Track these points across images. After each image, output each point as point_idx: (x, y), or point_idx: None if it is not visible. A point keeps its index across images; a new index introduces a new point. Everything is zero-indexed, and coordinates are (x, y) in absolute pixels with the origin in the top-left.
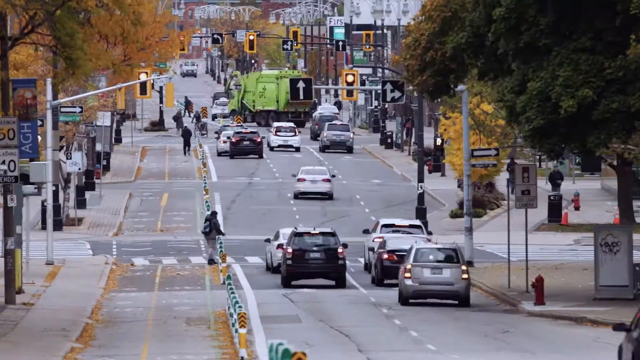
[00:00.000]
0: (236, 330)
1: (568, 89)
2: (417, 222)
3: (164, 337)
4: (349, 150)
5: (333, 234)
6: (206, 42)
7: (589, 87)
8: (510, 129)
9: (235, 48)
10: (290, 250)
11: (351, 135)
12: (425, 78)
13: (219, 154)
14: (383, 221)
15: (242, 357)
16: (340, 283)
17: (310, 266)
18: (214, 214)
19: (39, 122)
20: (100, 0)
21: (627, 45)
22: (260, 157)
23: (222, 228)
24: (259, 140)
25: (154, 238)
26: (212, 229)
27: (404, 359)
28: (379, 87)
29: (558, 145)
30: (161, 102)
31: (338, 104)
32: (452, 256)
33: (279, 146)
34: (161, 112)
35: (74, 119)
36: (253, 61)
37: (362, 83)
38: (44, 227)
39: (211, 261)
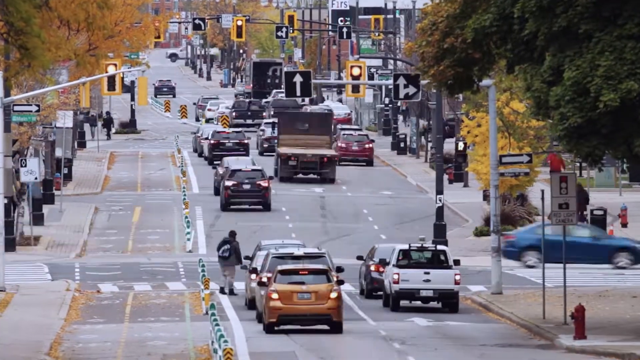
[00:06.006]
0: None
1: (610, 80)
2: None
3: None
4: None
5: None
6: (186, 28)
7: (635, 79)
8: (545, 132)
9: (221, 35)
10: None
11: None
12: (443, 68)
13: (199, 155)
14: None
15: None
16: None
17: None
18: (233, 234)
19: None
20: None
21: None
22: None
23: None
24: (245, 141)
25: (124, 260)
26: (231, 253)
27: None
28: (390, 81)
29: (599, 149)
30: (132, 99)
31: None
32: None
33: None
34: (132, 112)
35: (30, 119)
36: (241, 51)
37: (371, 77)
38: None
39: (231, 291)
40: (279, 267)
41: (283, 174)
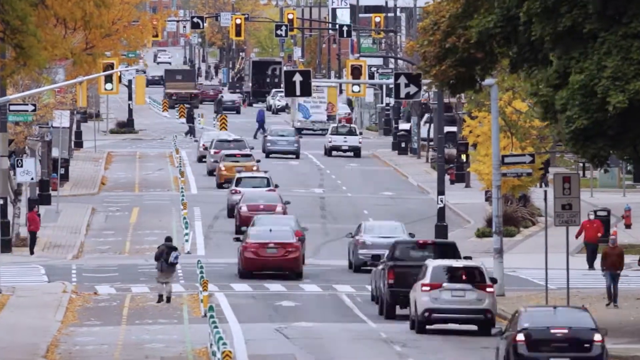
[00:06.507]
0: None
1: (617, 81)
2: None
3: None
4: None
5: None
6: (184, 27)
7: None
8: (548, 131)
9: (219, 34)
10: None
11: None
12: (445, 68)
13: (200, 160)
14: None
15: None
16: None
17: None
18: (171, 239)
19: None
20: None
21: None
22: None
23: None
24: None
25: (122, 261)
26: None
27: None
28: (391, 80)
29: (604, 150)
30: (130, 98)
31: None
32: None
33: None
34: (130, 111)
35: (26, 119)
36: (240, 52)
37: (371, 76)
38: None
39: (168, 299)
40: (224, 152)
41: (170, 104)
